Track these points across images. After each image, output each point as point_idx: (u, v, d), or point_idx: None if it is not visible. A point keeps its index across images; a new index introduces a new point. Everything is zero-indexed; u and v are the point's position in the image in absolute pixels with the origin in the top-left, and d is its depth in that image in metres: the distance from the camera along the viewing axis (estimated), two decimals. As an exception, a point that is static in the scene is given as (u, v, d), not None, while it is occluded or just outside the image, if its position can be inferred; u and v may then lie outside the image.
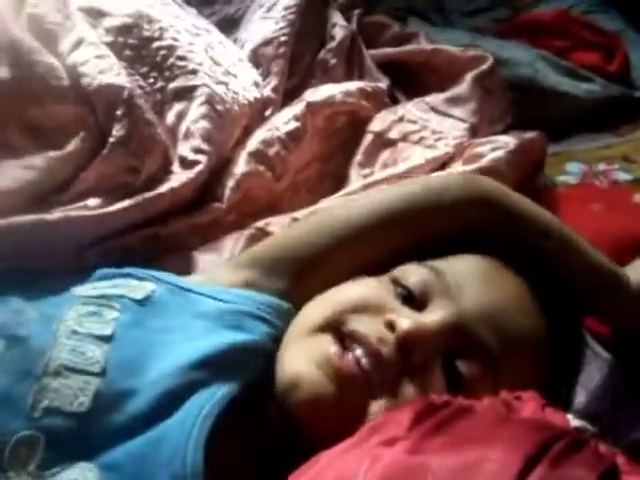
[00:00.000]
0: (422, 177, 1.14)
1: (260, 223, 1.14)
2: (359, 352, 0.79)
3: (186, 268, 1.09)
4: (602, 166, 1.43)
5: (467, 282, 0.84)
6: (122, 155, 1.08)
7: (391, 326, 0.80)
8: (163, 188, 1.11)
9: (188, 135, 1.18)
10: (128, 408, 0.76)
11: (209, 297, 0.87)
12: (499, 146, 1.21)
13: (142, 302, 0.84)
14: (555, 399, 0.79)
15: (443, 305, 0.83)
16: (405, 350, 0.78)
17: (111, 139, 1.08)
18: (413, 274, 0.85)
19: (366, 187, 1.18)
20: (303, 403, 0.78)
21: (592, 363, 0.99)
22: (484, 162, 1.18)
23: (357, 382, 0.78)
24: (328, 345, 0.79)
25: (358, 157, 1.30)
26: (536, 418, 0.69)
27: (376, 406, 0.77)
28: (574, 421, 0.72)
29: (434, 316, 0.81)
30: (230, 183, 1.19)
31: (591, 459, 0.67)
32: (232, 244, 1.12)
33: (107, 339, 0.80)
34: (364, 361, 0.78)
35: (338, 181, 1.29)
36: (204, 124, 1.18)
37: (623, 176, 1.39)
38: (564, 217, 1.16)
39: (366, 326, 0.80)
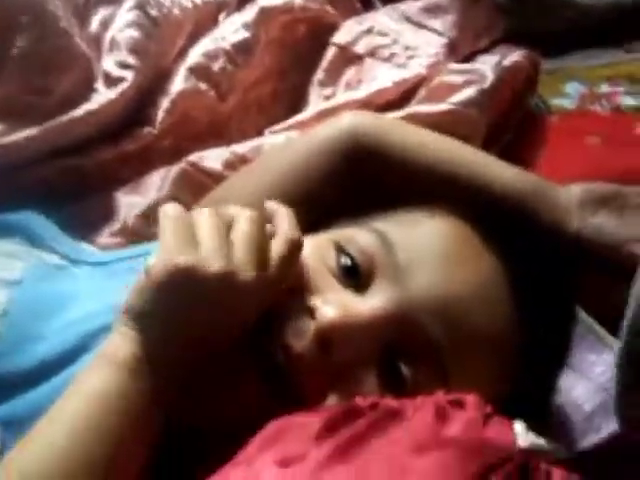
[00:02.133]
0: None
1: (193, 157, 0.98)
2: (270, 347, 0.63)
3: (108, 214, 0.96)
4: (605, 88, 1.24)
5: (422, 259, 0.67)
6: (26, 73, 0.91)
7: (314, 313, 0.64)
8: (79, 111, 0.94)
9: (113, 46, 1.00)
10: (32, 353, 0.70)
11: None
12: (474, 80, 1.03)
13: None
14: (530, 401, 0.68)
15: (384, 288, 0.66)
16: (326, 346, 0.63)
17: (12, 53, 0.90)
18: (359, 241, 0.69)
19: (322, 115, 1.00)
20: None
21: (599, 353, 0.83)
22: (451, 105, 1.00)
23: (257, 384, 0.63)
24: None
25: (319, 74, 1.13)
26: (470, 439, 0.54)
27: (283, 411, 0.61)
28: (526, 436, 0.57)
29: (369, 303, 0.65)
30: (164, 103, 1.03)
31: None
32: (159, 183, 0.96)
33: (14, 283, 0.76)
34: (277, 357, 0.63)
35: (295, 101, 1.13)
36: (131, 33, 1.02)
37: (628, 101, 1.20)
38: (555, 152, 1.01)
39: (290, 312, 0.64)
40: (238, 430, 0.59)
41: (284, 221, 0.67)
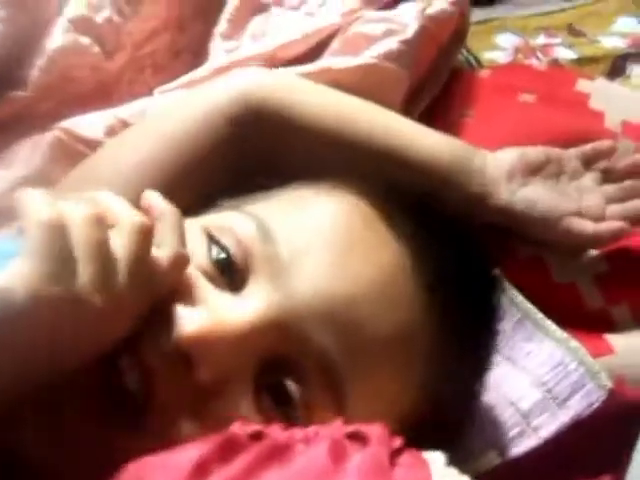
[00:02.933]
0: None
1: (69, 122, 0.84)
2: (125, 362, 0.51)
3: None
4: (541, 39, 1.15)
5: (307, 251, 0.55)
6: None
7: (174, 322, 0.51)
8: None
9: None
10: None
11: None
12: (394, 30, 0.90)
13: None
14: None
15: (261, 288, 0.54)
16: (187, 363, 0.50)
17: None
18: (234, 229, 0.56)
19: (218, 72, 0.87)
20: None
21: (540, 341, 0.74)
22: (368, 59, 0.88)
23: (101, 403, 0.50)
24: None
25: (222, 25, 0.99)
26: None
27: (136, 448, 0.48)
28: (444, 476, 0.45)
29: (242, 308, 0.53)
30: (40, 62, 0.88)
31: None
32: (28, 154, 0.83)
33: None
34: (128, 376, 0.50)
35: (195, 57, 0.98)
36: (1, -22, 0.86)
37: (566, 53, 1.11)
38: (486, 111, 0.91)
39: (150, 323, 0.51)
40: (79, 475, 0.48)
41: (170, 231, 0.53)
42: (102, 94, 0.93)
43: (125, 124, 0.83)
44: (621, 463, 0.65)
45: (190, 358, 0.50)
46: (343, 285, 0.54)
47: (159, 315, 0.51)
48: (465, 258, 0.63)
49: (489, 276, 0.68)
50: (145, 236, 0.50)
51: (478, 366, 0.65)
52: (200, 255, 0.55)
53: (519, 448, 0.69)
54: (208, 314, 0.51)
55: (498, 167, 0.76)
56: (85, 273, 0.47)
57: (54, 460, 0.50)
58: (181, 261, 0.52)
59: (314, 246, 0.55)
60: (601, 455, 0.70)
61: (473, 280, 0.63)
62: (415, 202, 0.63)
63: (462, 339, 0.60)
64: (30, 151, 0.83)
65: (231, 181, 0.68)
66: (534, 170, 0.78)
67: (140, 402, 0.50)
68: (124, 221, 0.50)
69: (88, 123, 0.84)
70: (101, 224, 0.49)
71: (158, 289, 0.51)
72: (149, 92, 0.95)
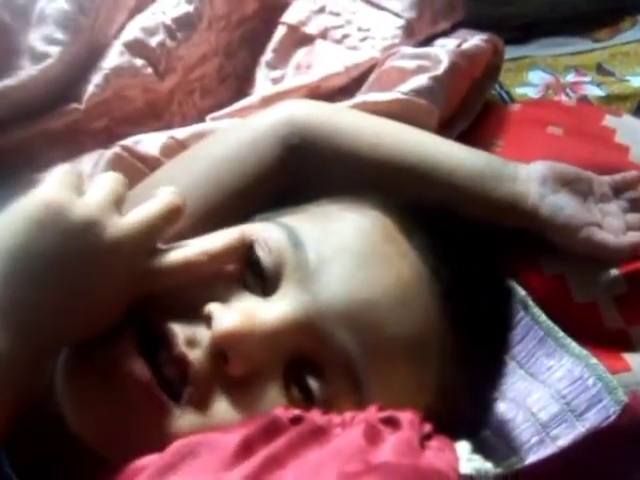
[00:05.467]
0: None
1: (128, 141, 0.89)
2: (162, 356, 0.56)
3: None
4: (571, 76, 1.18)
5: (334, 260, 0.61)
6: None
7: (212, 321, 0.57)
8: (-6, 88, 0.86)
9: (42, 19, 0.92)
10: None
11: None
12: (427, 66, 0.95)
13: None
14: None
15: (291, 293, 0.59)
16: (222, 357, 0.56)
17: None
18: (266, 238, 0.62)
19: (266, 101, 0.93)
20: (81, 423, 0.56)
21: (560, 357, 0.76)
22: (399, 94, 0.92)
23: (147, 397, 0.55)
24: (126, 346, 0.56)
25: (267, 55, 1.05)
26: (404, 464, 0.47)
27: (179, 426, 0.54)
28: (469, 461, 0.50)
29: (273, 310, 0.58)
30: (95, 79, 0.94)
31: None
32: (90, 167, 0.88)
33: None
34: (167, 370, 0.56)
35: (241, 82, 1.05)
36: (62, 5, 0.92)
37: (594, 91, 1.14)
38: (515, 142, 0.95)
39: (181, 318, 0.57)
40: (127, 447, 0.53)
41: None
42: (153, 114, 0.98)
43: (181, 145, 0.88)
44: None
45: (226, 352, 0.55)
46: (364, 290, 0.59)
47: (195, 312, 0.57)
48: (481, 269, 0.68)
49: (503, 286, 0.72)
50: (171, 211, 0.57)
51: (491, 371, 0.70)
52: (234, 260, 0.61)
53: (537, 455, 0.72)
54: (242, 313, 0.57)
55: (530, 174, 0.79)
56: (87, 197, 0.55)
57: (101, 438, 0.55)
58: (202, 260, 0.58)
59: (339, 255, 0.61)
60: (613, 470, 0.73)
61: (487, 290, 0.68)
62: (434, 216, 0.68)
63: (474, 345, 0.65)
64: (92, 165, 0.88)
65: (270, 202, 0.73)
66: (564, 182, 0.80)
67: (183, 400, 0.55)
68: (159, 194, 0.59)
69: (145, 142, 0.89)
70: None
71: (173, 270, 0.57)
72: (197, 114, 1.00)
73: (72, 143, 0.92)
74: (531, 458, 0.72)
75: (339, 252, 0.61)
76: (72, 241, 0.53)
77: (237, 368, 0.56)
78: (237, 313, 0.57)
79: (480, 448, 0.67)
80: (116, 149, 0.89)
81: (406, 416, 0.51)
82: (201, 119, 0.98)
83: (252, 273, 0.61)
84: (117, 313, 0.55)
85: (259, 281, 0.60)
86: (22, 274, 0.53)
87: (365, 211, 0.66)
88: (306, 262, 0.60)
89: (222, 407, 0.56)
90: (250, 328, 0.56)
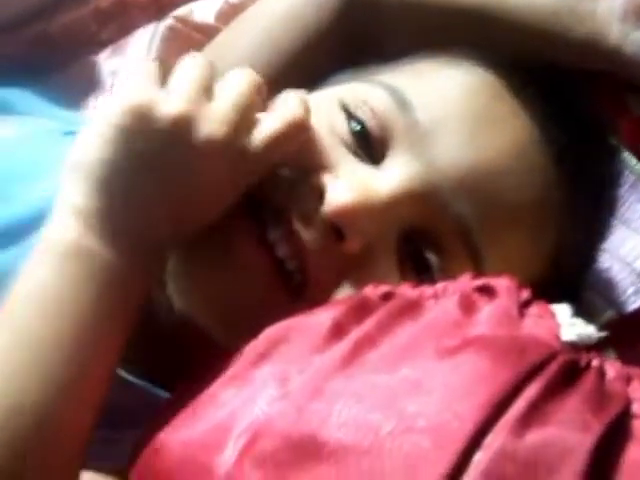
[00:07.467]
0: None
1: (182, 10, 0.86)
2: (274, 235, 0.54)
3: (91, 82, 0.86)
4: None
5: (446, 121, 0.56)
6: None
7: (323, 194, 0.53)
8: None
9: None
10: None
11: None
12: None
13: None
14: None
15: (403, 160, 0.55)
16: (338, 233, 0.53)
17: None
18: (368, 100, 0.57)
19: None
20: (195, 308, 0.56)
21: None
22: None
23: (265, 276, 0.54)
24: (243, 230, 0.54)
25: None
26: (502, 336, 0.45)
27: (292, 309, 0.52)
28: (571, 326, 0.47)
29: (386, 179, 0.55)
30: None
31: (591, 398, 0.43)
32: (146, 43, 0.85)
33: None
34: (280, 249, 0.54)
35: None
36: None
37: None
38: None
39: (291, 193, 0.54)
40: (239, 325, 0.51)
41: (292, 99, 0.56)
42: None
43: (234, 8, 0.84)
44: None
45: (340, 229, 0.53)
46: (479, 155, 0.56)
47: (304, 186, 0.54)
48: (587, 127, 0.64)
49: (609, 143, 0.68)
50: (254, 87, 0.54)
51: (600, 232, 0.67)
52: (339, 127, 0.57)
53: (635, 304, 0.70)
54: (356, 185, 0.53)
55: (610, 8, 0.73)
56: (172, 89, 0.52)
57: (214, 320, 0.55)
58: (298, 124, 0.54)
59: (450, 116, 0.57)
60: None
61: (595, 148, 0.64)
62: (535, 72, 0.63)
63: (587, 207, 0.61)
64: (148, 41, 0.85)
65: (343, 60, 0.68)
66: None
67: (297, 279, 0.54)
68: (238, 71, 0.54)
69: (199, 9, 0.86)
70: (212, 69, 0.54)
71: (270, 148, 0.53)
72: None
73: (123, 19, 0.89)
74: (628, 308, 0.70)
75: (450, 113, 0.57)
76: (166, 142, 0.51)
77: (354, 245, 0.53)
78: (351, 184, 0.53)
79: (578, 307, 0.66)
80: (170, 21, 0.86)
81: (502, 283, 0.48)
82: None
83: (356, 139, 0.57)
84: (226, 200, 0.53)
85: (363, 149, 0.57)
86: (120, 181, 0.51)
87: (470, 67, 0.61)
88: (416, 125, 0.56)
89: (339, 290, 0.53)
90: (366, 201, 0.53)
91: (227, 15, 0.85)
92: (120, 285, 0.50)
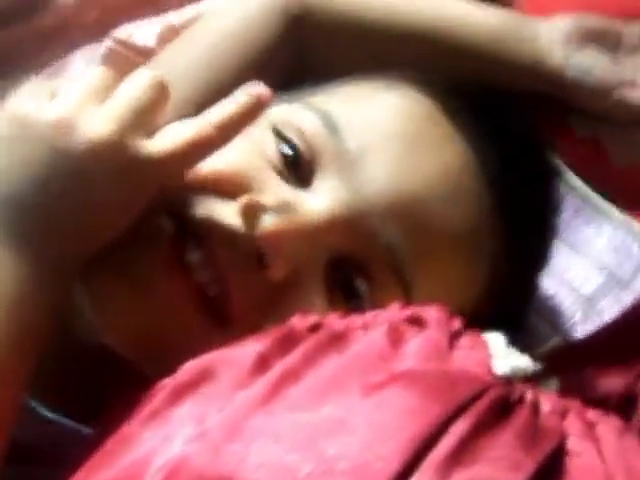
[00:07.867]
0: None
1: (122, 32, 0.83)
2: (193, 258, 0.52)
3: None
4: None
5: (377, 147, 0.55)
6: None
7: (248, 217, 0.51)
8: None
9: None
10: None
11: None
12: None
13: None
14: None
15: (331, 184, 0.54)
16: (262, 259, 0.51)
17: None
18: (297, 122, 0.56)
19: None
20: (116, 340, 0.53)
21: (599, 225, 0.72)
22: None
23: (185, 303, 0.51)
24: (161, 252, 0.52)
25: None
26: (432, 369, 0.43)
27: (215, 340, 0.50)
28: (505, 357, 0.46)
29: (313, 204, 0.53)
30: (85, -31, 0.87)
31: (524, 434, 0.41)
32: (83, 65, 0.82)
33: None
34: (200, 274, 0.52)
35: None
36: None
37: None
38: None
39: (213, 214, 0.52)
40: (163, 357, 0.49)
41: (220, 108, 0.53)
42: (148, 2, 0.92)
43: (177, 32, 0.82)
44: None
45: (267, 253, 0.51)
46: (410, 181, 0.54)
47: (227, 207, 0.52)
48: (525, 150, 0.63)
49: (549, 165, 0.67)
50: (157, 90, 0.51)
51: (542, 257, 0.65)
52: (268, 148, 0.55)
53: (583, 332, 0.68)
54: (282, 209, 0.52)
55: (552, 32, 0.72)
56: (62, 98, 0.50)
57: (139, 350, 0.52)
58: (208, 137, 0.51)
59: (380, 141, 0.55)
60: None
61: (534, 172, 0.63)
62: (472, 94, 0.62)
63: (525, 232, 0.60)
64: (85, 62, 0.83)
65: (287, 78, 0.67)
66: (591, 38, 0.74)
67: (219, 307, 0.51)
68: (144, 74, 0.52)
69: (140, 32, 0.83)
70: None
71: (179, 155, 0.50)
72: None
73: (64, 41, 0.87)
74: (575, 336, 0.68)
75: (380, 138, 0.55)
76: (48, 147, 0.48)
77: (278, 271, 0.51)
78: (276, 208, 0.51)
79: (523, 334, 0.64)
80: (109, 43, 0.83)
81: (432, 313, 0.47)
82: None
83: (285, 161, 0.55)
84: (127, 208, 0.50)
85: (293, 170, 0.55)
86: (10, 190, 0.49)
87: (403, 90, 0.60)
88: (345, 150, 0.54)
89: (264, 319, 0.51)
90: (290, 225, 0.51)
91: (169, 37, 0.83)
92: (24, 294, 0.48)
